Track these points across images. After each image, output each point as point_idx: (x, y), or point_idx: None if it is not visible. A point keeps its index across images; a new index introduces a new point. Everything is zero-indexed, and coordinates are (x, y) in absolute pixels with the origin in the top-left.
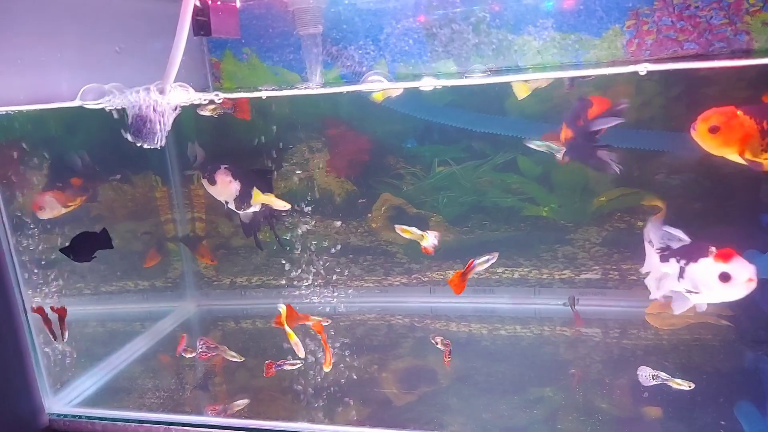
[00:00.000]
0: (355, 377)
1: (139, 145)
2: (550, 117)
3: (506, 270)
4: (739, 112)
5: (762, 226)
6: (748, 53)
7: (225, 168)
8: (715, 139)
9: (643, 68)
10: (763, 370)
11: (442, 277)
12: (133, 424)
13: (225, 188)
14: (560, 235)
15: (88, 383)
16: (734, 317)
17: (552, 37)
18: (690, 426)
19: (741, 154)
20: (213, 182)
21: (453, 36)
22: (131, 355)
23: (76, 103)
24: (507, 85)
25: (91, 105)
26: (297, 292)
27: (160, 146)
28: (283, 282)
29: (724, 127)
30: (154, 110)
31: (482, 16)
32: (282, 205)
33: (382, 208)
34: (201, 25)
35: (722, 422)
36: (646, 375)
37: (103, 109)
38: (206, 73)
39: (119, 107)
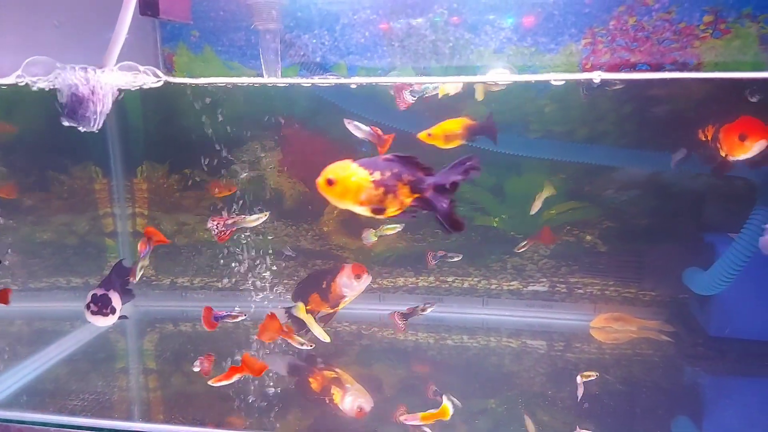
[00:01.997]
0: (302, 386)
1: (72, 126)
2: (507, 126)
3: (456, 279)
4: (351, 165)
5: (704, 245)
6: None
7: (111, 291)
8: (333, 190)
9: (597, 76)
10: (701, 385)
11: (392, 284)
12: (53, 429)
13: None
14: (509, 247)
15: (7, 384)
16: (675, 333)
17: (509, 39)
18: None
19: (361, 205)
20: (114, 312)
21: (410, 31)
22: (57, 355)
23: (11, 80)
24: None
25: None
26: (242, 295)
27: (96, 129)
28: (227, 284)
29: (339, 179)
30: (92, 91)
31: (440, 12)
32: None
33: (335, 212)
34: (148, 4)
35: None
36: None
37: (39, 89)
38: (158, 64)
39: (54, 86)
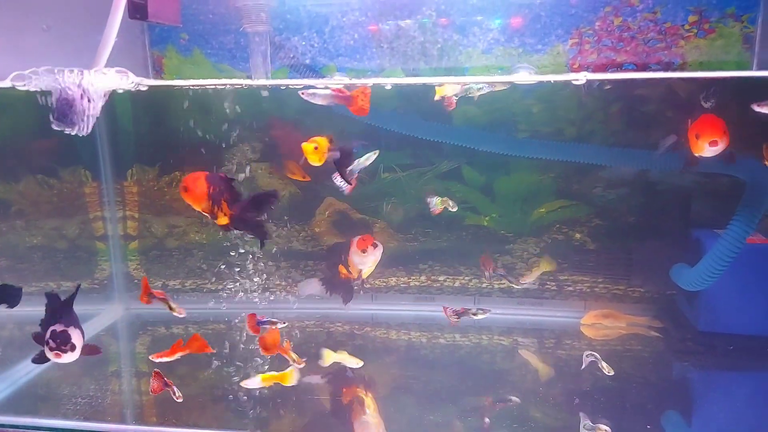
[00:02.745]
0: (291, 386)
1: (63, 130)
2: (496, 126)
3: (447, 278)
4: (202, 177)
5: (691, 241)
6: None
7: (71, 327)
8: (188, 196)
9: (582, 77)
10: (690, 380)
11: (384, 284)
12: None
13: None
14: (500, 245)
15: None
16: (663, 329)
17: (497, 40)
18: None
19: (206, 212)
20: (74, 349)
21: (398, 33)
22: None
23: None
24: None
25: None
26: (233, 297)
27: (86, 133)
28: (220, 286)
29: (191, 186)
30: (81, 94)
31: (428, 14)
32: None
33: (326, 213)
34: (137, 7)
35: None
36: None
37: (28, 93)
38: (147, 67)
39: (43, 89)
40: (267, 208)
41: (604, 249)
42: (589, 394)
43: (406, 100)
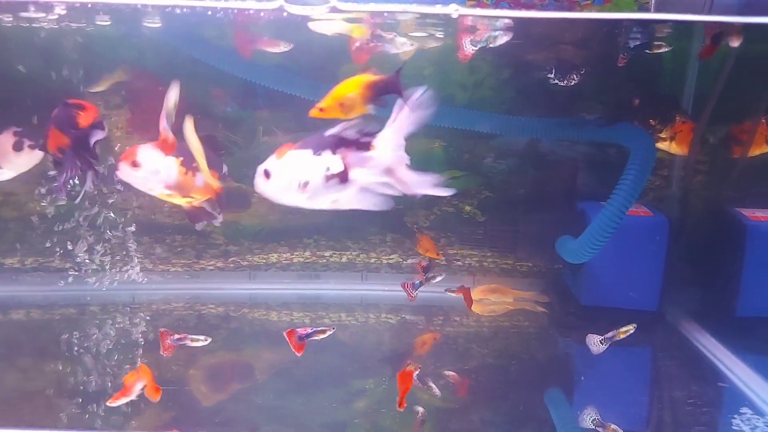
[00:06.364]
0: (157, 375)
1: None
2: None
3: (334, 254)
4: None
5: (577, 213)
6: None
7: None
8: None
9: (453, 10)
10: (572, 355)
11: (264, 261)
12: None
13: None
14: (388, 219)
15: None
16: (549, 303)
17: None
18: (499, 411)
19: None
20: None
21: None
22: None
23: None
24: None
25: None
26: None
27: None
28: (68, 265)
29: None
30: None
31: None
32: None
33: None
34: None
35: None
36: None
37: None
38: None
39: None
40: None
41: (494, 222)
42: (473, 371)
43: (287, 57)
